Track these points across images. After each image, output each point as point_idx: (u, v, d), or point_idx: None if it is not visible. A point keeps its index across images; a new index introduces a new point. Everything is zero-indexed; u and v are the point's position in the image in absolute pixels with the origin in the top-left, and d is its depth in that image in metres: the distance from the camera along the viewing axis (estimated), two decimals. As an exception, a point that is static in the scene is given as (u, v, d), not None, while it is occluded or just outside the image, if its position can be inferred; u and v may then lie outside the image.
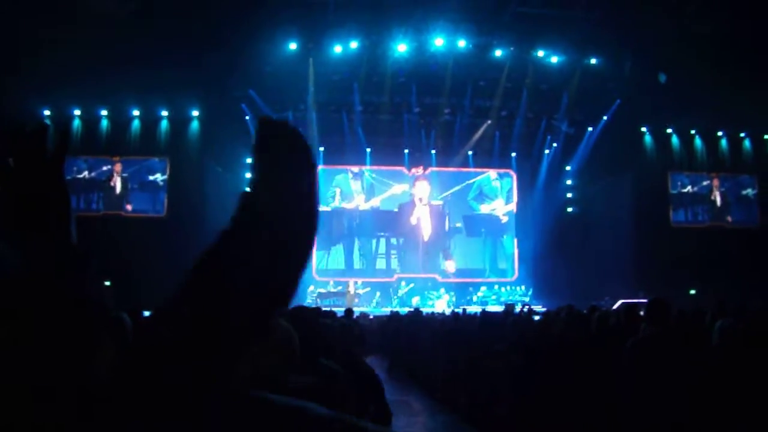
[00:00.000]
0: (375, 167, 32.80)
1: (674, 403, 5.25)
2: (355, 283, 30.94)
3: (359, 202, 33.50)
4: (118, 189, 27.69)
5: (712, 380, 5.12)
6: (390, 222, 33.17)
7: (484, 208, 34.05)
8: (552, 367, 6.78)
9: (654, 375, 5.65)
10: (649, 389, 5.59)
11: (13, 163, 1.36)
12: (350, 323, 12.76)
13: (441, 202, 33.61)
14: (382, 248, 33.54)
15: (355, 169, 33.25)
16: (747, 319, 6.39)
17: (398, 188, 33.39)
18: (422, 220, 33.04)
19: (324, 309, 13.44)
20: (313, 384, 3.36)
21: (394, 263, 33.13)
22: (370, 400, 5.54)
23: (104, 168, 27.70)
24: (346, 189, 33.56)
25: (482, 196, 34.00)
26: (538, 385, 6.94)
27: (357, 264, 33.02)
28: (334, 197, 33.23)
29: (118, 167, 27.76)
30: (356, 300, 28.89)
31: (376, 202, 33.64)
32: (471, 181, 33.90)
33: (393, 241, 33.45)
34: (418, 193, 33.14)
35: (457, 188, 33.70)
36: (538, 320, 10.30)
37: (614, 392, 6.02)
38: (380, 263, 33.23)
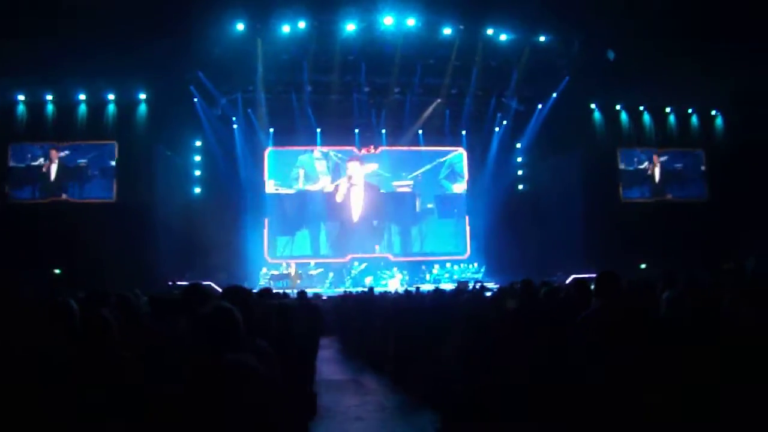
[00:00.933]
0: (326, 147, 32.63)
1: (623, 375, 5.27)
2: (297, 264, 30.92)
3: (324, 184, 33.38)
4: (53, 176, 27.15)
5: (658, 351, 5.13)
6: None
7: (457, 188, 34.11)
8: (504, 343, 6.78)
9: (603, 347, 5.66)
10: (599, 361, 5.61)
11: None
12: (304, 304, 12.73)
13: (410, 182, 33.59)
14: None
15: (324, 150, 33.22)
16: (694, 290, 6.43)
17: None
18: (353, 201, 33.02)
19: (276, 291, 13.39)
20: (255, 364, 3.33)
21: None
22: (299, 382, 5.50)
23: (49, 154, 27.22)
24: (311, 170, 33.39)
25: (454, 175, 34.04)
26: (490, 361, 6.93)
27: (324, 249, 32.96)
28: (297, 179, 33.06)
29: (54, 153, 27.24)
30: (298, 281, 28.80)
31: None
32: (442, 159, 33.92)
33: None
34: (351, 172, 33.12)
35: (428, 167, 33.71)
36: (491, 296, 10.29)
37: (566, 366, 6.03)
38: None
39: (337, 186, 32.94)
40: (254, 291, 9.36)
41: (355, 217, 32.86)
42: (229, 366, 3.34)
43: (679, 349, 5.01)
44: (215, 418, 3.19)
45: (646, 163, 30.49)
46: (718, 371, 4.45)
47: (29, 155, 27.00)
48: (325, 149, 33.13)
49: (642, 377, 5.09)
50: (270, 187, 32.81)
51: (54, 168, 27.13)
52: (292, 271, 30.07)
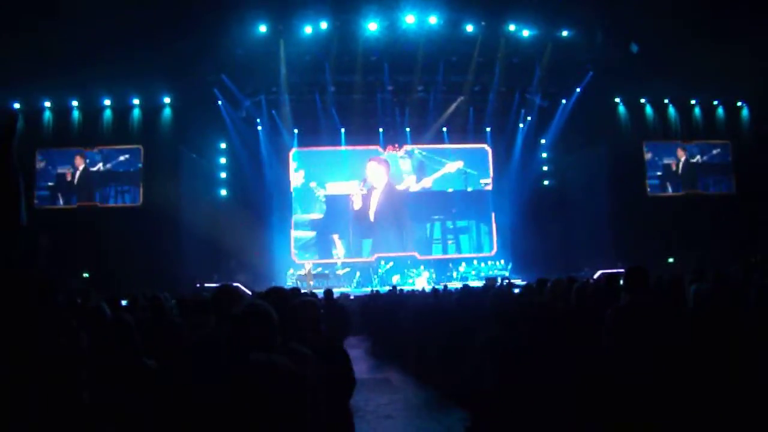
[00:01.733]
0: (350, 147, 32.65)
1: (652, 368, 5.25)
2: (314, 265, 30.99)
3: (410, 183, 33.52)
4: (80, 181, 27.37)
5: (686, 343, 5.12)
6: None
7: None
8: (533, 339, 6.76)
9: (633, 341, 5.64)
10: (629, 356, 5.59)
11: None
12: (331, 304, 12.75)
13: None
14: (438, 232, 33.80)
15: (409, 147, 33.42)
16: (722, 284, 6.41)
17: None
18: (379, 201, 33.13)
19: (303, 291, 13.42)
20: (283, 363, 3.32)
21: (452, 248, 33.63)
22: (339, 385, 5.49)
23: (75, 160, 27.45)
24: (395, 170, 33.61)
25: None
26: (518, 357, 6.92)
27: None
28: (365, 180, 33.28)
29: (80, 159, 27.46)
30: (311, 282, 28.74)
31: (428, 182, 33.80)
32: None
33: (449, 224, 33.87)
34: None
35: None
36: (519, 292, 10.26)
37: (596, 361, 6.01)
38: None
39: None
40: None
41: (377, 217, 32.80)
42: (259, 366, 3.34)
43: (706, 341, 5.00)
44: (244, 420, 3.19)
45: (672, 157, 30.27)
46: (743, 365, 4.43)
47: (56, 161, 27.24)
48: (408, 147, 33.33)
49: (670, 368, 5.08)
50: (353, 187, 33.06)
51: (80, 173, 27.34)
52: (305, 270, 30.06)
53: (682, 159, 30.31)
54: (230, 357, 3.43)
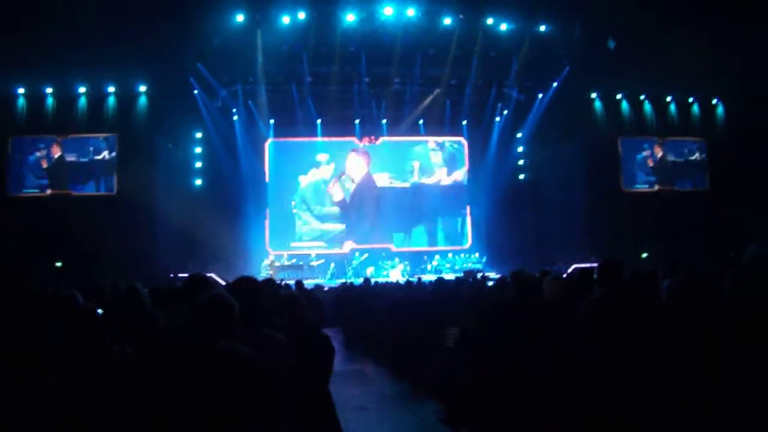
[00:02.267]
0: (326, 138, 32.59)
1: (623, 361, 5.28)
2: (276, 256, 30.99)
3: (441, 176, 33.60)
4: (54, 169, 27.12)
5: (657, 337, 5.15)
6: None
7: (457, 176, 34.17)
8: (506, 332, 6.78)
9: (605, 335, 5.67)
10: (600, 349, 5.62)
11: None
12: (303, 295, 12.73)
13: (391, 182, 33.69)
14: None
15: (440, 140, 33.67)
16: (694, 279, 6.45)
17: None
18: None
19: (276, 281, 13.39)
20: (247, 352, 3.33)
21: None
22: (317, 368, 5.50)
23: (50, 147, 27.23)
24: (426, 163, 33.72)
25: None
26: (490, 351, 6.93)
27: (441, 242, 33.50)
28: (412, 172, 33.30)
29: (55, 147, 27.25)
30: (271, 272, 28.69)
31: (459, 175, 34.08)
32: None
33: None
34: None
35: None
36: (492, 285, 10.30)
37: (567, 354, 6.03)
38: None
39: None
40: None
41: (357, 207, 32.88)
42: (221, 353, 3.35)
43: (675, 337, 5.02)
44: (209, 406, 3.19)
45: (647, 153, 30.43)
46: (714, 360, 4.46)
47: (30, 149, 26.99)
48: (426, 139, 33.53)
49: (641, 361, 5.12)
50: (384, 180, 33.23)
51: (55, 161, 27.12)
52: (269, 261, 29.98)
53: (658, 155, 30.46)
54: (194, 345, 3.44)
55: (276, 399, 3.54)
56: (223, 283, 16.08)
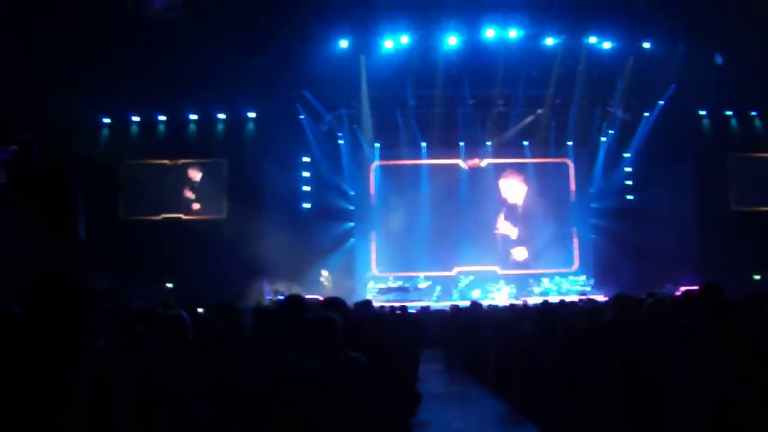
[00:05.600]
0: (431, 161, 32.71)
1: (723, 387, 5.19)
2: (395, 277, 30.96)
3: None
4: (166, 194, 28.16)
5: (760, 363, 5.05)
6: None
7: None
8: (602, 355, 6.73)
9: (704, 359, 5.58)
10: (699, 373, 5.53)
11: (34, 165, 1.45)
12: (403, 316, 12.82)
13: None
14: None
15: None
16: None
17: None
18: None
19: (378, 304, 13.52)
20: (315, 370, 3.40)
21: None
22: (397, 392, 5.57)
23: (162, 172, 28.20)
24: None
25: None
26: (588, 374, 6.89)
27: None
28: None
29: (167, 172, 28.24)
30: (328, 286, 28.71)
31: None
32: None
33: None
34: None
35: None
36: (587, 309, 10.17)
37: (665, 378, 5.95)
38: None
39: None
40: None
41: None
42: (294, 371, 3.42)
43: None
44: (281, 425, 3.28)
45: (759, 170, 29.47)
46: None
47: (143, 174, 27.93)
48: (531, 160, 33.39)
49: (742, 387, 5.02)
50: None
51: (166, 186, 28.03)
52: (324, 278, 29.90)
53: (770, 173, 29.47)
54: (272, 362, 3.54)
55: (355, 421, 3.61)
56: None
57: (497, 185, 33.23)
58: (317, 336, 3.72)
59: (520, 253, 32.87)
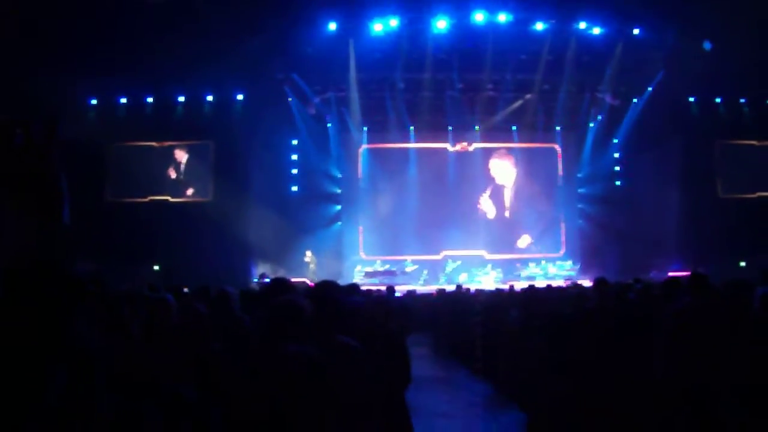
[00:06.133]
0: (419, 144, 32.69)
1: (712, 371, 5.22)
2: (381, 261, 31.00)
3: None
4: (152, 176, 28.13)
5: (749, 347, 5.07)
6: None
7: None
8: (586, 341, 6.75)
9: (693, 343, 5.61)
10: (688, 357, 5.56)
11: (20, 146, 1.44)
12: (391, 301, 12.80)
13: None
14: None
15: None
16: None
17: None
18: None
19: (366, 288, 13.50)
20: (313, 356, 3.38)
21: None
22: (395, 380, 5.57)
23: (148, 154, 28.15)
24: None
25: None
26: (574, 358, 6.91)
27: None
28: None
29: (153, 153, 28.21)
30: (312, 268, 28.73)
31: None
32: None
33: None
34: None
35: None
36: (573, 294, 10.19)
37: (653, 363, 5.98)
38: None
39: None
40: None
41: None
42: (289, 357, 3.41)
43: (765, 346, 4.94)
44: (276, 411, 3.26)
45: (745, 157, 29.54)
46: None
47: (129, 156, 27.84)
48: (519, 145, 33.30)
49: (732, 372, 5.04)
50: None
51: (153, 168, 27.97)
52: (308, 259, 29.74)
53: (756, 160, 29.53)
54: (262, 348, 3.53)
55: (348, 406, 3.60)
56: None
57: (486, 169, 33.15)
58: (286, 321, 3.69)
59: (524, 240, 32.85)
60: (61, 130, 1.53)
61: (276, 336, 3.58)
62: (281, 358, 3.38)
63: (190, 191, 28.20)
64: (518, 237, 32.75)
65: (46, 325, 1.34)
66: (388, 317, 7.10)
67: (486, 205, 32.85)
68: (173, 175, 28.31)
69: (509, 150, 33.29)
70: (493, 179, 33.14)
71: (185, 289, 9.34)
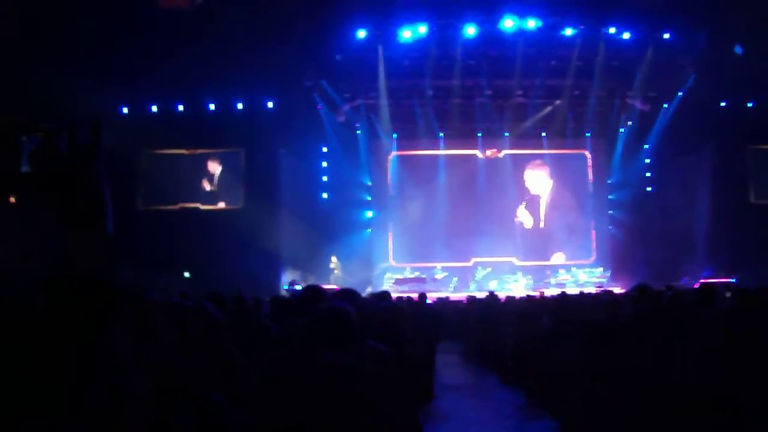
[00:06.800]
0: (448, 152, 32.65)
1: (747, 379, 5.16)
2: (412, 268, 30.93)
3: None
4: (184, 183, 28.34)
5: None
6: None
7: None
8: (620, 349, 6.69)
9: (729, 351, 5.55)
10: (723, 365, 5.50)
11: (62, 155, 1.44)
12: (422, 308, 12.78)
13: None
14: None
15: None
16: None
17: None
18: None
19: (396, 294, 13.49)
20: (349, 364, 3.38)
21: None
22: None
23: (179, 162, 28.32)
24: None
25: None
26: (609, 366, 6.86)
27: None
28: None
29: (184, 161, 28.38)
30: (337, 273, 28.79)
31: None
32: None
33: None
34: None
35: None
36: (606, 300, 10.11)
37: (686, 369, 5.93)
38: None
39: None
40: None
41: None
42: (326, 365, 3.40)
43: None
44: (312, 418, 3.26)
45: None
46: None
47: (160, 163, 28.03)
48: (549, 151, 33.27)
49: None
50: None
51: (184, 175, 28.12)
52: (333, 265, 29.87)
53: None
54: (304, 356, 3.53)
55: (378, 411, 3.59)
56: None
57: (517, 176, 33.04)
58: (333, 327, 3.69)
59: (558, 257, 32.75)
60: (102, 136, 1.54)
61: (320, 342, 3.58)
62: (319, 366, 3.38)
63: (221, 204, 28.28)
64: (552, 251, 32.64)
65: (83, 333, 1.35)
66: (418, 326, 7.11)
67: (523, 215, 32.75)
68: (207, 187, 28.45)
69: (543, 160, 33.14)
70: (527, 189, 33.02)
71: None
